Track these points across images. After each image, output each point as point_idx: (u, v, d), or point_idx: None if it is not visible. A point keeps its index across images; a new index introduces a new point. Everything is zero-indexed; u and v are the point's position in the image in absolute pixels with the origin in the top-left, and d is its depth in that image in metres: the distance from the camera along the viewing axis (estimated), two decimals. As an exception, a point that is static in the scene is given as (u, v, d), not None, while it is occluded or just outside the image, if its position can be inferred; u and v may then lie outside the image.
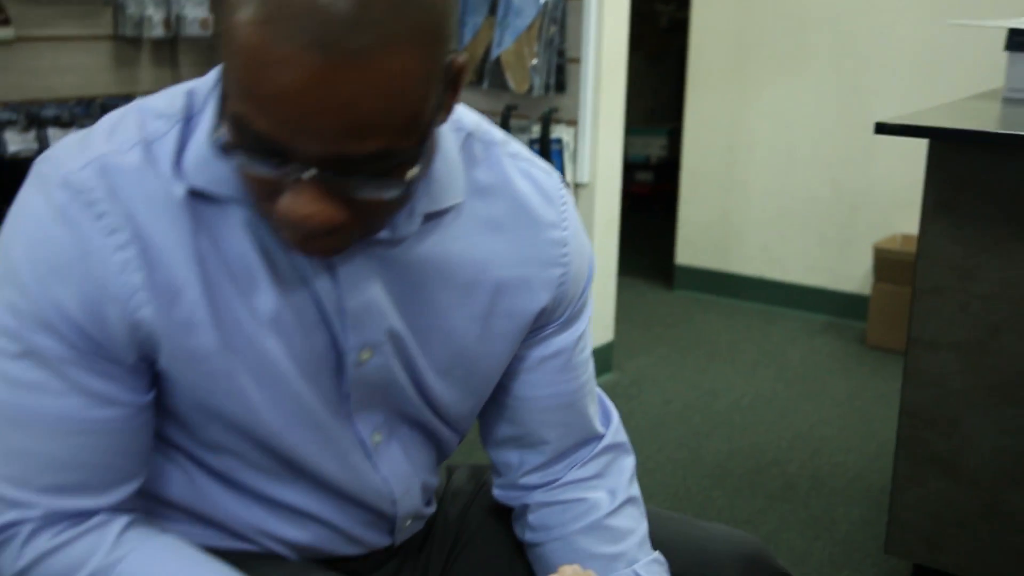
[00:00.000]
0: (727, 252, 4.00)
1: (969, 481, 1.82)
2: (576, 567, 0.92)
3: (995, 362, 1.76)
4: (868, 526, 2.28)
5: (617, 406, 1.12)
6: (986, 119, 1.85)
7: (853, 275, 3.70)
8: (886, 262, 3.38)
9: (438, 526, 1.11)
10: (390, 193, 0.74)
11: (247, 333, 0.84)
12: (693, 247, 4.08)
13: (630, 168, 5.08)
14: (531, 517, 1.05)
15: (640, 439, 2.65)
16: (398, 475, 0.99)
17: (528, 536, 1.05)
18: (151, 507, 0.93)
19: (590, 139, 3.05)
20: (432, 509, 1.09)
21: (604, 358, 3.07)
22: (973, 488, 1.82)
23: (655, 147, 5.68)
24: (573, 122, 3.11)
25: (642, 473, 2.19)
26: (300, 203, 0.73)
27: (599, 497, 1.04)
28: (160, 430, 0.89)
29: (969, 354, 1.78)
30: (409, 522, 1.03)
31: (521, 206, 0.94)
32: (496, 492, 1.08)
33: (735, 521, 2.29)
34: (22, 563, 0.81)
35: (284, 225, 0.76)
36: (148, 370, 0.84)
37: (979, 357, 1.77)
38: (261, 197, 0.76)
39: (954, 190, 1.74)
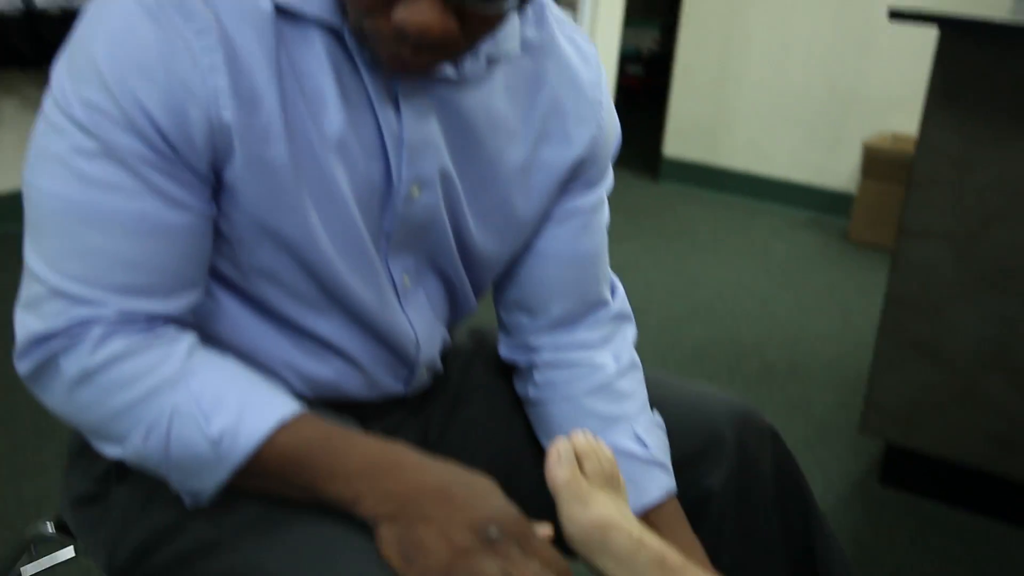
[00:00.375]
0: (715, 145, 4.01)
1: (948, 366, 1.88)
2: (587, 432, 0.96)
3: (984, 253, 1.81)
4: (843, 410, 2.36)
5: (599, 291, 1.15)
6: (997, 12, 1.86)
7: (840, 172, 3.74)
8: (875, 159, 3.41)
9: (439, 383, 1.14)
10: (508, 5, 0.77)
11: (314, 152, 0.86)
12: (682, 140, 4.09)
13: (621, 61, 5.04)
14: (537, 376, 1.09)
15: (624, 320, 2.70)
16: (422, 321, 1.02)
17: (532, 394, 1.09)
18: None
19: (588, 26, 3.03)
20: (440, 368, 1.12)
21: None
22: (951, 373, 1.88)
23: (647, 40, 5.63)
24: (572, 5, 3.08)
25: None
26: (419, 13, 0.75)
27: (605, 360, 1.08)
28: None
29: (959, 244, 1.83)
30: (425, 372, 1.06)
31: (565, 66, 0.99)
32: (503, 351, 1.12)
33: (715, 401, 2.36)
34: (92, 363, 0.82)
35: (395, 37, 0.77)
36: (214, 182, 0.86)
37: (969, 248, 1.82)
38: (374, 8, 0.77)
39: (959, 81, 1.76)
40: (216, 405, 0.83)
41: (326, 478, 0.83)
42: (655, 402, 1.09)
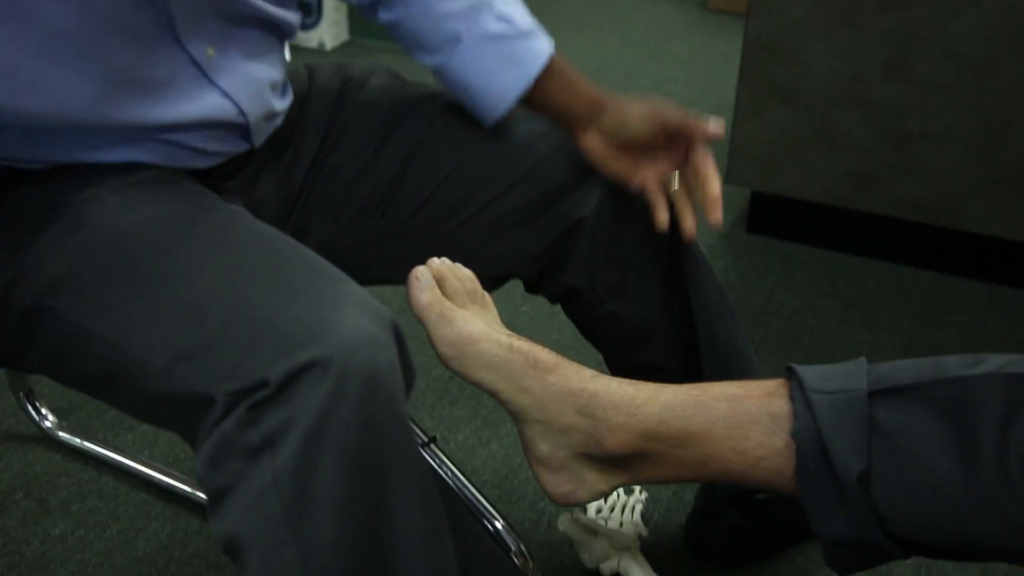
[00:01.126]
0: (571, -77, 3.91)
1: (805, 107, 1.93)
2: (443, 258, 0.97)
3: (835, -12, 1.83)
4: (709, 168, 2.41)
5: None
6: None
7: (696, -60, 3.70)
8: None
9: (303, 126, 1.11)
10: None
11: None
12: (537, -81, 3.97)
13: None
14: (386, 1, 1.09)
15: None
16: (240, 83, 0.97)
17: (386, 18, 1.09)
18: None
19: None
20: (287, 100, 1.08)
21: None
22: (808, 114, 1.93)
23: None
24: None
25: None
26: None
27: None
28: None
29: (811, -18, 1.85)
30: (264, 122, 1.03)
31: None
32: None
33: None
34: None
35: None
36: None
37: (821, -16, 1.84)
38: None
39: None
40: None
41: None
42: (526, 133, 1.10)
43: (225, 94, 0.95)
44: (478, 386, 0.92)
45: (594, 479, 0.92)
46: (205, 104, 0.94)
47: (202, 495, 1.34)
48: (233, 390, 0.74)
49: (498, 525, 1.15)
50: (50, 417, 1.46)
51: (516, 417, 0.93)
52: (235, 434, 0.73)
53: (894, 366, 0.84)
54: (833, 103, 1.91)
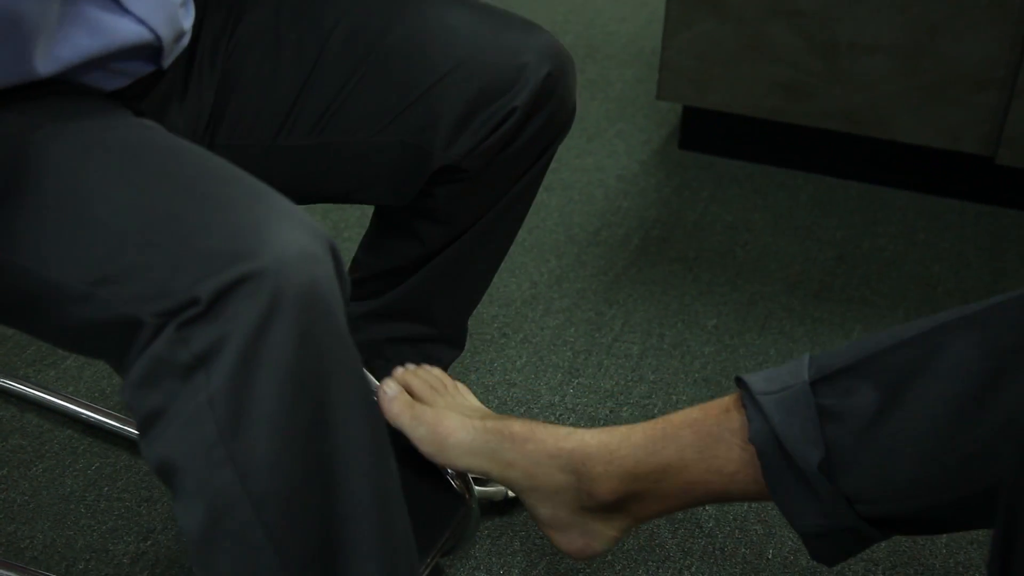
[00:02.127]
0: None
1: (735, 19, 1.91)
2: (409, 365, 1.04)
3: None
4: (640, 84, 2.39)
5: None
6: None
7: None
8: None
9: (205, 32, 1.04)
10: None
11: None
12: None
13: None
14: None
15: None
16: (154, 5, 0.91)
17: None
18: None
19: None
20: (191, 12, 1.00)
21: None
22: (738, 25, 1.91)
23: None
24: None
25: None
26: None
27: None
28: None
29: None
30: (174, 43, 0.97)
31: None
32: None
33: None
34: None
35: None
36: None
37: None
38: None
39: None
40: None
41: None
42: (444, 24, 1.05)
43: (140, 20, 0.90)
44: (468, 471, 0.98)
45: (601, 528, 0.96)
46: (121, 35, 0.89)
47: (130, 430, 1.32)
48: (161, 310, 0.71)
49: (434, 447, 1.14)
50: (-34, 356, 1.41)
51: (513, 490, 0.98)
52: (166, 354, 0.71)
53: (833, 353, 0.88)
54: (761, 14, 1.89)
